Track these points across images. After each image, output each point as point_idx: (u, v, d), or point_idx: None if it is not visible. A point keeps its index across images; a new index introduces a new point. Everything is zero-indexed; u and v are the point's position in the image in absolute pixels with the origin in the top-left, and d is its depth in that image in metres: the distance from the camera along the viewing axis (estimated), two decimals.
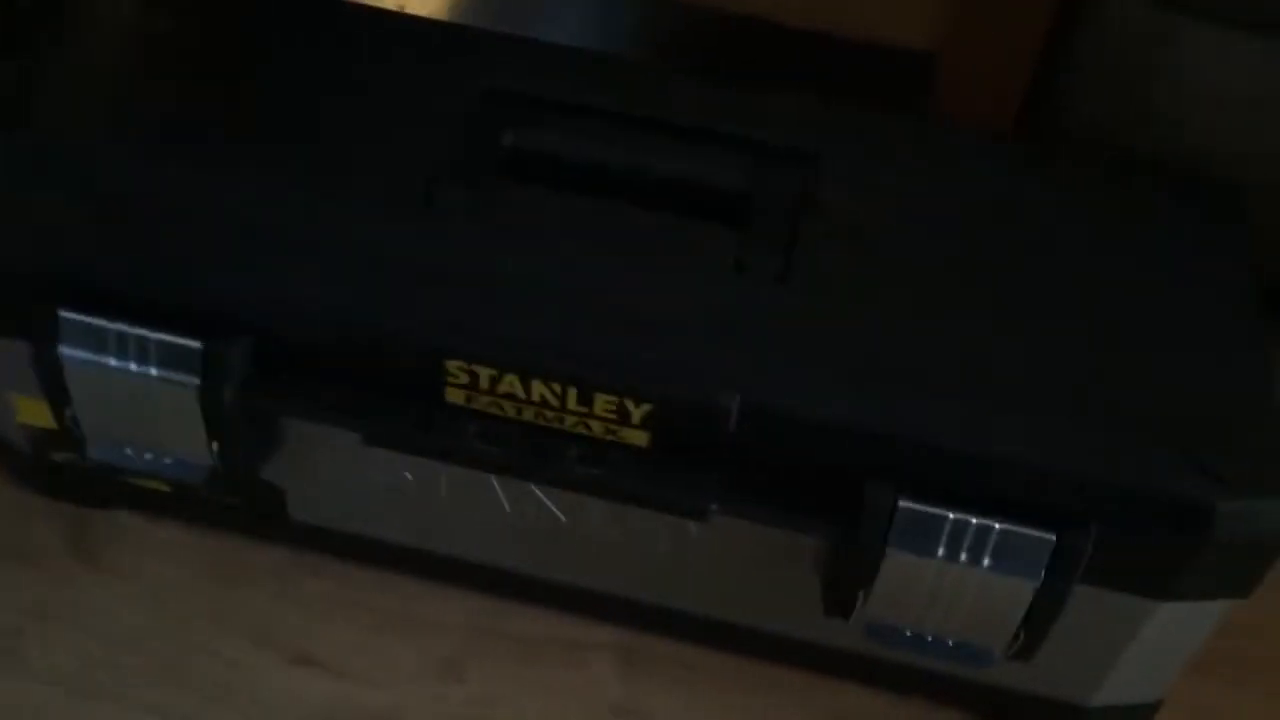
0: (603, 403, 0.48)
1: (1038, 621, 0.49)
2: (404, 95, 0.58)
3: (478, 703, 0.58)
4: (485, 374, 0.49)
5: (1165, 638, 0.52)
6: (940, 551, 0.48)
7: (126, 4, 0.63)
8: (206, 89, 0.58)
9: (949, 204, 0.56)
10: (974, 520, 0.47)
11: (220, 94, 0.57)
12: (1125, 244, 0.55)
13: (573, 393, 0.48)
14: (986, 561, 0.48)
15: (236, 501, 0.59)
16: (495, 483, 0.53)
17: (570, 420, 0.49)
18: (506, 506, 0.54)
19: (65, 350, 0.51)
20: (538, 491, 0.54)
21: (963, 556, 0.48)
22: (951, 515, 0.47)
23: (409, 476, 0.55)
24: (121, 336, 0.50)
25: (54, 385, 0.52)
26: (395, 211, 0.53)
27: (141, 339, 0.50)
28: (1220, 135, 0.64)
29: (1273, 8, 0.61)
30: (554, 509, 0.54)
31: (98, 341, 0.50)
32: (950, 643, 0.51)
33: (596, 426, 0.49)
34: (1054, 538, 0.47)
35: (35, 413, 0.56)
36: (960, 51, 0.68)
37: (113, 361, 0.51)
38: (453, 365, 0.49)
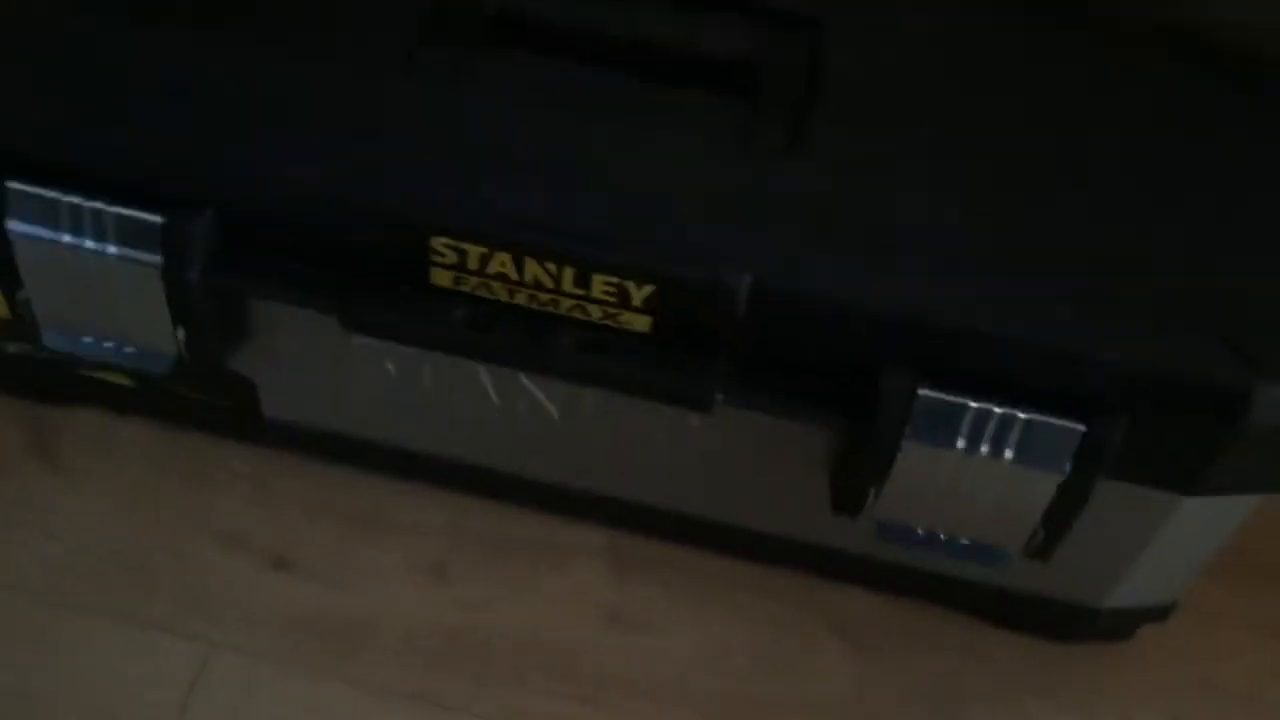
0: (601, 284, 0.45)
1: (1059, 518, 0.46)
2: None
3: (464, 607, 0.55)
4: (474, 252, 0.45)
5: (1188, 536, 0.50)
6: (960, 443, 0.45)
7: None
8: None
9: (966, 69, 0.53)
10: (997, 409, 0.44)
11: None
12: (1156, 117, 0.52)
13: (569, 273, 0.45)
14: (1009, 453, 0.45)
15: (205, 396, 0.55)
16: (483, 373, 0.50)
17: (566, 304, 0.46)
18: (495, 399, 0.51)
19: (14, 226, 0.47)
20: (529, 383, 0.50)
21: (984, 448, 0.45)
22: (973, 404, 0.44)
23: (390, 368, 0.51)
24: (76, 210, 0.46)
25: (3, 266, 0.48)
26: (374, 75, 0.49)
27: (97, 213, 0.46)
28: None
29: None
30: (546, 402, 0.51)
31: (50, 216, 0.46)
32: (965, 542, 0.49)
33: (594, 310, 0.46)
34: (1083, 428, 0.44)
35: None
36: None
37: (67, 238, 0.46)
38: (438, 242, 0.45)
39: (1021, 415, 0.44)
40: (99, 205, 0.46)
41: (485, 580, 0.56)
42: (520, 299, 0.46)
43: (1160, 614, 0.55)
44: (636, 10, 0.51)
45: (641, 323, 0.46)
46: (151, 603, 0.54)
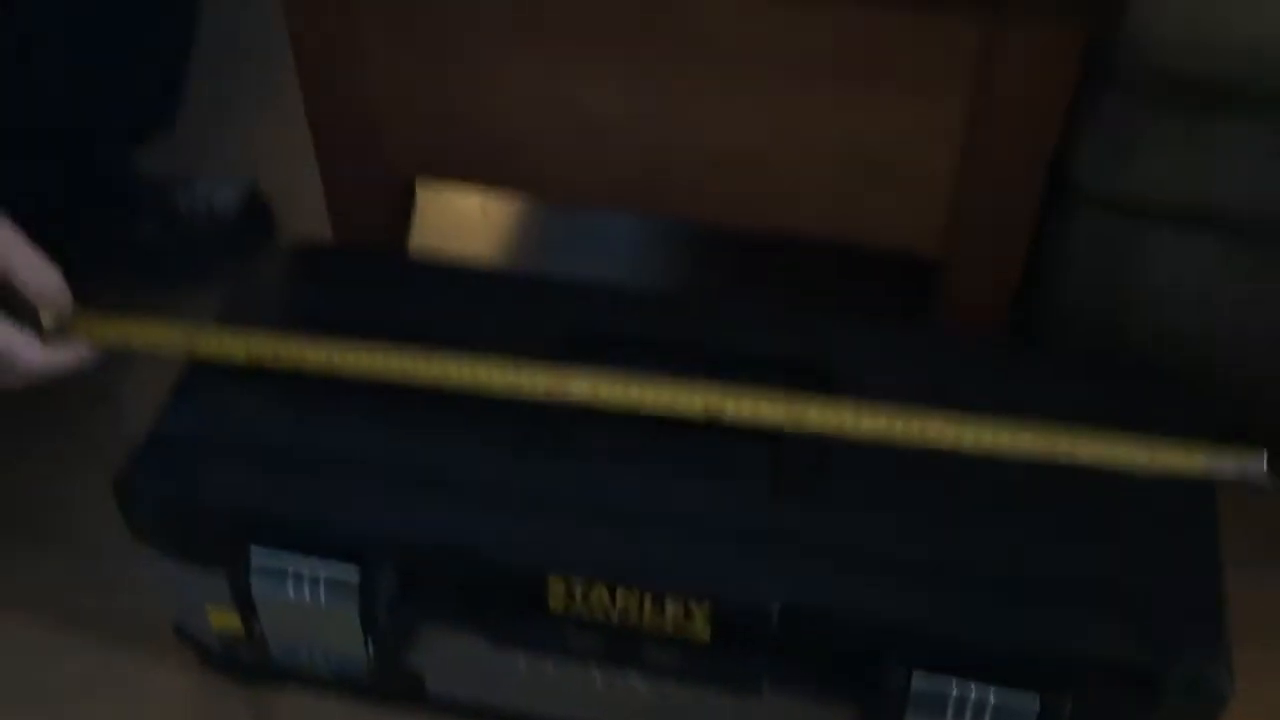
0: (671, 607, 0.62)
1: None
2: (496, 343, 0.72)
3: None
4: (579, 588, 0.62)
5: None
6: (949, 715, 0.60)
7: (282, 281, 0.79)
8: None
9: (953, 406, 0.68)
10: (973, 690, 0.59)
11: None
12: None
13: (648, 599, 0.62)
14: None
15: (385, 685, 0.73)
16: (593, 668, 0.67)
17: (647, 619, 0.63)
18: (601, 685, 0.68)
19: (255, 581, 0.65)
20: (625, 673, 0.67)
21: (967, 718, 0.60)
22: (955, 688, 0.59)
23: (523, 663, 0.68)
24: (298, 569, 0.65)
25: (245, 605, 0.67)
26: (498, 451, 0.67)
27: (313, 568, 0.64)
28: (1175, 319, 0.76)
29: (1219, 211, 0.72)
30: (639, 686, 0.67)
31: (279, 572, 0.65)
32: None
33: (668, 625, 0.62)
34: (1037, 702, 0.58)
35: (226, 620, 0.71)
36: (960, 256, 0.81)
37: (291, 587, 0.65)
38: (553, 581, 0.62)
39: (992, 695, 0.59)
40: (314, 569, 0.65)
41: None
42: (613, 617, 0.63)
43: None
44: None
45: (703, 632, 0.62)
46: None
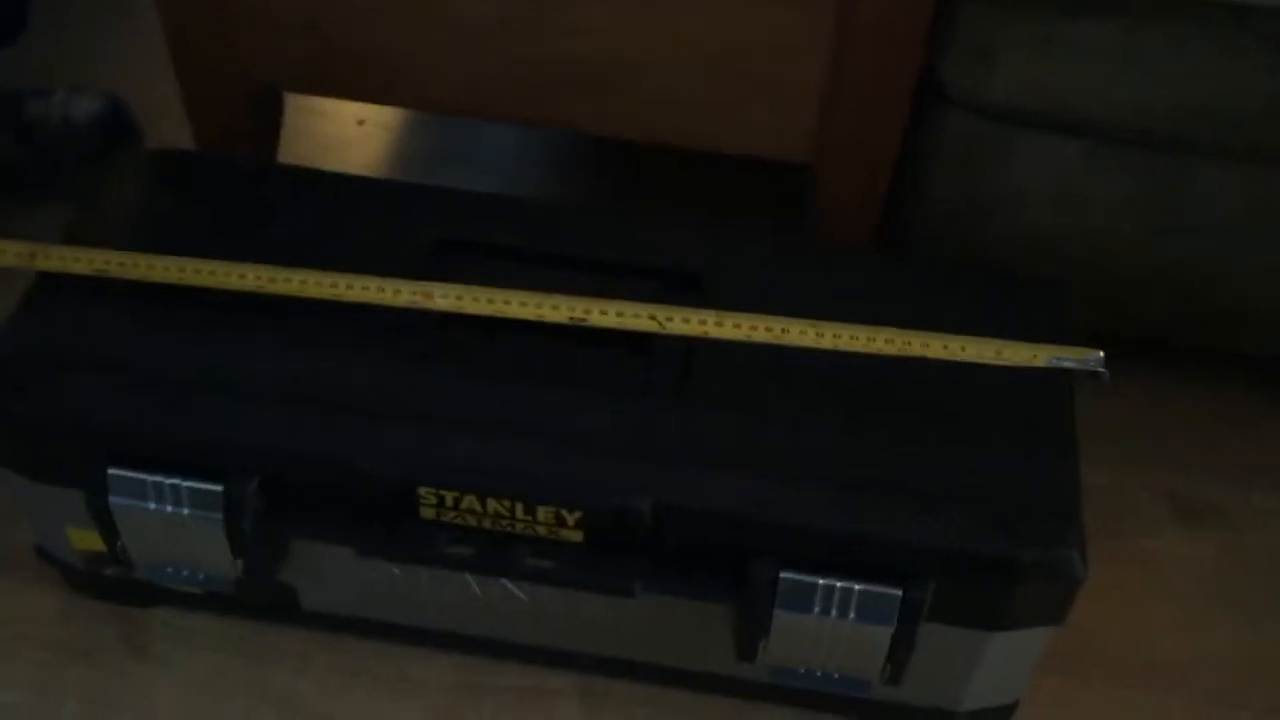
0: (544, 513, 0.62)
1: (898, 656, 0.63)
2: (368, 253, 0.70)
3: None
4: (450, 496, 0.62)
5: (1006, 657, 0.65)
6: (815, 609, 0.61)
7: (136, 189, 0.76)
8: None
9: (819, 314, 0.69)
10: (838, 584, 0.60)
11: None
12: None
13: (520, 506, 0.62)
14: (852, 615, 0.61)
15: (256, 598, 0.72)
16: (468, 576, 0.67)
17: (520, 526, 0.63)
18: (478, 591, 0.67)
19: (114, 499, 0.64)
20: (502, 580, 0.67)
21: (833, 612, 0.61)
22: (820, 581, 0.60)
23: (397, 573, 0.68)
24: (159, 486, 0.63)
25: (106, 525, 0.65)
26: (364, 362, 0.66)
27: (175, 486, 0.63)
28: (1044, 222, 0.78)
29: (1081, 115, 0.74)
30: (516, 591, 0.67)
31: (140, 491, 0.63)
32: (836, 675, 0.65)
33: (541, 530, 0.62)
34: (900, 593, 0.60)
35: (88, 541, 0.69)
36: (831, 164, 0.81)
37: (152, 505, 0.64)
38: (424, 490, 0.62)
39: (856, 587, 0.60)
40: (175, 481, 0.63)
41: None
42: (486, 524, 0.63)
43: (1005, 712, 0.71)
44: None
45: (576, 535, 0.62)
46: None
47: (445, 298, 0.66)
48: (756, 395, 0.65)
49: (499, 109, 0.84)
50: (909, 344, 0.64)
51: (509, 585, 0.67)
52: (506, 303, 0.66)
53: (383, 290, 0.66)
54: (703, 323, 0.65)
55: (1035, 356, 0.64)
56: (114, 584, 0.73)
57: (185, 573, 0.68)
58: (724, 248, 0.73)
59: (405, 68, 0.81)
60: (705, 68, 0.77)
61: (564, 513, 0.61)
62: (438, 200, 0.76)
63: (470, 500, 0.62)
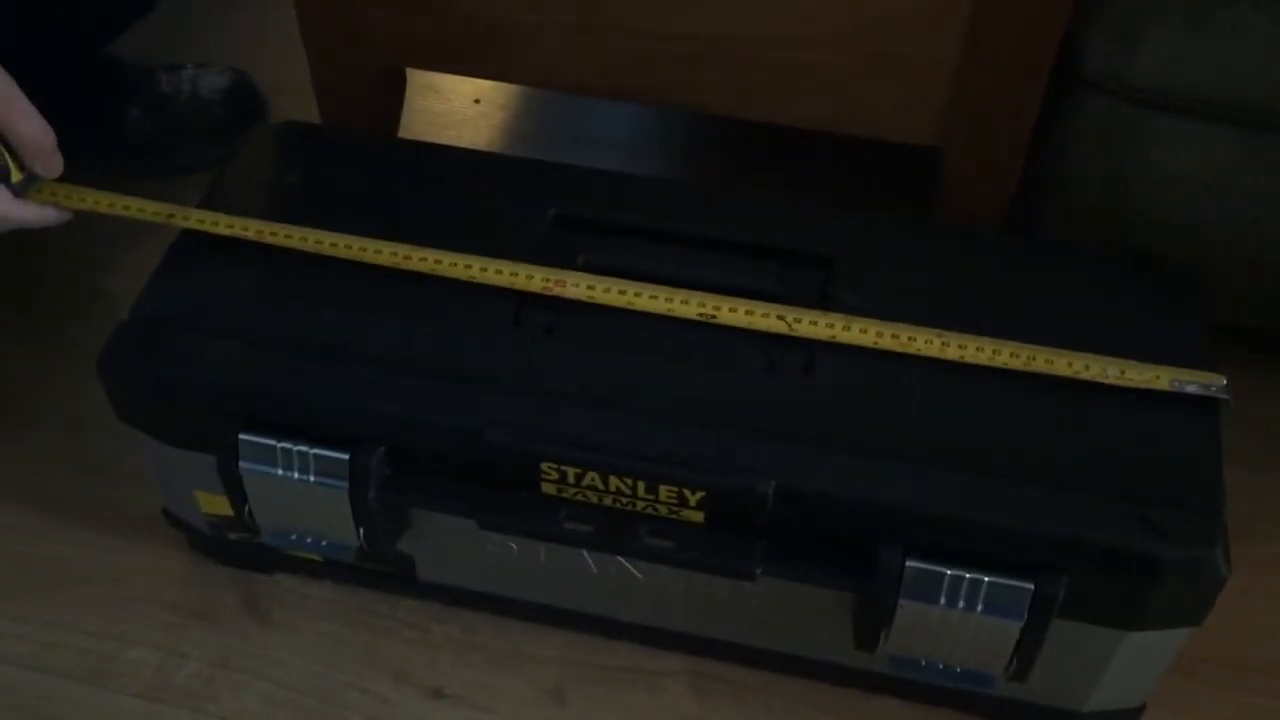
0: (665, 491, 0.61)
1: (1025, 653, 0.61)
2: (490, 227, 0.70)
3: None
4: (571, 472, 0.62)
5: (1138, 658, 0.63)
6: (942, 601, 0.59)
7: (269, 161, 0.77)
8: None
9: (949, 299, 0.67)
10: (967, 575, 0.59)
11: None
12: (1100, 331, 0.65)
13: (641, 485, 0.61)
14: (980, 608, 0.59)
15: (376, 567, 0.72)
16: (585, 553, 0.66)
17: (641, 504, 0.62)
18: (594, 569, 0.67)
19: (244, 464, 0.65)
20: (619, 558, 0.66)
21: (960, 604, 0.59)
22: (949, 572, 0.59)
23: (514, 548, 0.68)
24: (288, 452, 0.64)
25: (235, 490, 0.66)
26: (491, 336, 0.66)
27: (303, 453, 0.64)
28: (1188, 210, 0.75)
29: (1229, 99, 0.71)
30: (632, 570, 0.67)
31: (269, 457, 0.64)
32: (958, 669, 0.63)
33: (662, 509, 0.62)
34: (1032, 586, 0.58)
35: (217, 505, 0.70)
36: (962, 145, 0.79)
37: (280, 472, 0.64)
38: (546, 466, 0.62)
39: (986, 579, 0.59)
40: (303, 448, 0.64)
41: (593, 700, 0.72)
42: (607, 501, 0.63)
43: (1132, 715, 0.68)
44: (684, 262, 0.67)
45: (697, 516, 0.62)
46: None
47: (577, 286, 0.66)
48: (886, 378, 0.64)
49: (624, 87, 0.83)
50: (1033, 359, 0.63)
51: (626, 564, 0.66)
52: (638, 295, 0.66)
53: (515, 275, 0.67)
54: (830, 326, 0.65)
55: (1158, 378, 0.62)
56: (237, 549, 0.75)
57: (308, 540, 0.69)
58: (853, 230, 0.71)
59: (531, 44, 0.81)
60: (834, 45, 0.76)
61: (686, 492, 0.61)
62: (559, 176, 0.76)
63: (592, 477, 0.61)
